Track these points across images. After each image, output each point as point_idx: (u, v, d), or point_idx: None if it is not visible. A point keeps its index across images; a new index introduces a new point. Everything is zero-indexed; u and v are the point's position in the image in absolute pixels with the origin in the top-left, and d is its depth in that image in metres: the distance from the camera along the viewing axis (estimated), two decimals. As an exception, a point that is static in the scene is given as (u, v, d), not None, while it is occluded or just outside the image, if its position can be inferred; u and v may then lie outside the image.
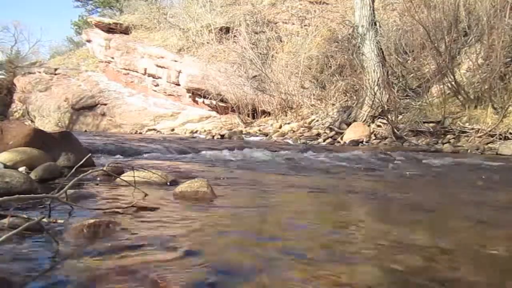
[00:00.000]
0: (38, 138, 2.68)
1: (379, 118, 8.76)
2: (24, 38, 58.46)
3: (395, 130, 7.85)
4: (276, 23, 14.98)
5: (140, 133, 14.21)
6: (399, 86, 9.19)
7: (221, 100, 13.55)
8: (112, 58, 17.85)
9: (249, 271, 1.02)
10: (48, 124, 16.86)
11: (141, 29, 18.04)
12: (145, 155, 4.53)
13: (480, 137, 6.97)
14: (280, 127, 11.14)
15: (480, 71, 7.92)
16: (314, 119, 10.88)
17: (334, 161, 4.44)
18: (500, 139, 6.74)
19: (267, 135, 10.50)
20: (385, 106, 8.52)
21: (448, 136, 7.37)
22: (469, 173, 3.88)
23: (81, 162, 2.16)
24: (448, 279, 1.02)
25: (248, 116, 13.11)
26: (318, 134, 9.42)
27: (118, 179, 2.16)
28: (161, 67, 15.77)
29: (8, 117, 18.59)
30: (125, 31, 18.28)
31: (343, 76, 11.28)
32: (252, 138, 9.97)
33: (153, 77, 16.29)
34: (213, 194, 2.02)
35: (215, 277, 0.98)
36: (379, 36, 9.16)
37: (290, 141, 8.92)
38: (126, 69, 17.29)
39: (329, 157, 4.73)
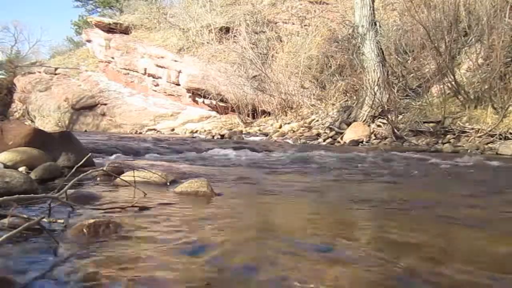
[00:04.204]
0: (38, 138, 2.67)
1: (379, 118, 8.76)
2: (24, 38, 58.68)
3: (395, 130, 7.85)
4: (276, 23, 14.98)
5: (140, 133, 14.21)
6: (399, 86, 9.18)
7: (221, 100, 13.56)
8: (112, 58, 17.85)
9: (249, 270, 1.03)
10: (48, 124, 16.85)
11: (141, 29, 18.04)
12: (145, 155, 4.53)
13: (480, 137, 6.97)
14: (280, 127, 11.15)
15: (480, 71, 7.92)
16: (314, 119, 10.89)
17: (333, 161, 4.44)
18: (500, 139, 6.74)
19: (267, 135, 10.51)
20: (385, 106, 8.52)
21: (448, 136, 7.36)
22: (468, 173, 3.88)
23: (81, 162, 2.16)
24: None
25: (248, 116, 13.12)
26: (318, 134, 9.42)
27: (118, 179, 2.16)
28: (161, 67, 15.77)
29: (8, 117, 18.59)
30: (125, 31, 18.28)
31: (343, 76, 11.28)
32: (252, 138, 9.97)
33: (153, 77, 16.30)
34: (213, 193, 2.03)
35: (215, 277, 0.98)
36: (379, 36, 9.15)
37: (290, 141, 8.93)
38: (126, 69, 17.29)
39: (329, 157, 4.73)
